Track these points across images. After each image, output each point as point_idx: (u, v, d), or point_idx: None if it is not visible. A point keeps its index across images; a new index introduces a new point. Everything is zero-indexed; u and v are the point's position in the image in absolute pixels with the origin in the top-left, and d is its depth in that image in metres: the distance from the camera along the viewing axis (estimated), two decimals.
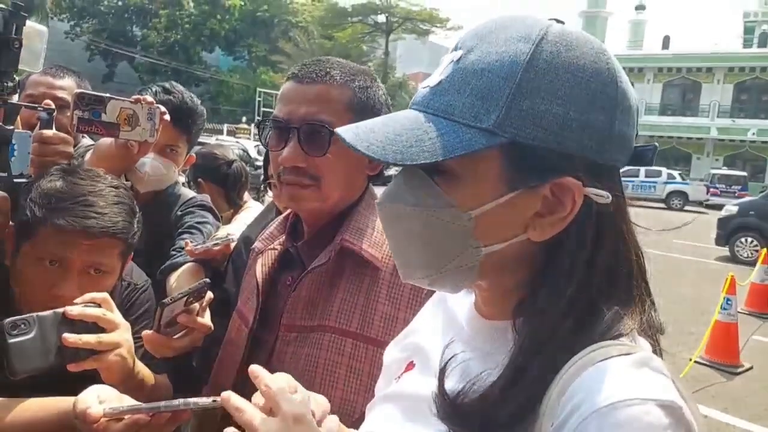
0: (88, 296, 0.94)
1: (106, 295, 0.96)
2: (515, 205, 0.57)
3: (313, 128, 0.96)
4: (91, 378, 0.89)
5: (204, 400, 0.78)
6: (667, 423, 0.49)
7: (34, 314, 0.86)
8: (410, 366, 0.72)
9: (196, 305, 1.03)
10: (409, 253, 0.61)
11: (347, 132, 0.58)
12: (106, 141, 1.38)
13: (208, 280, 1.04)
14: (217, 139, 14.02)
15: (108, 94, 1.26)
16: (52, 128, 1.26)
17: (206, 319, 1.07)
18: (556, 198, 0.57)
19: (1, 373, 0.85)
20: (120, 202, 1.08)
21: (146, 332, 1.00)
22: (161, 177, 1.66)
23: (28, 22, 1.06)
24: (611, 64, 0.58)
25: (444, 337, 0.70)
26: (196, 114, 1.70)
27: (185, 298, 0.99)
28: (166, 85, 1.68)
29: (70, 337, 0.87)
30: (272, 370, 0.98)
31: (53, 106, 1.27)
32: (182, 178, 2.20)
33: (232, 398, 0.63)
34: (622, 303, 0.58)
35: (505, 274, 0.60)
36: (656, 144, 0.65)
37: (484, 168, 0.57)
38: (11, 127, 1.07)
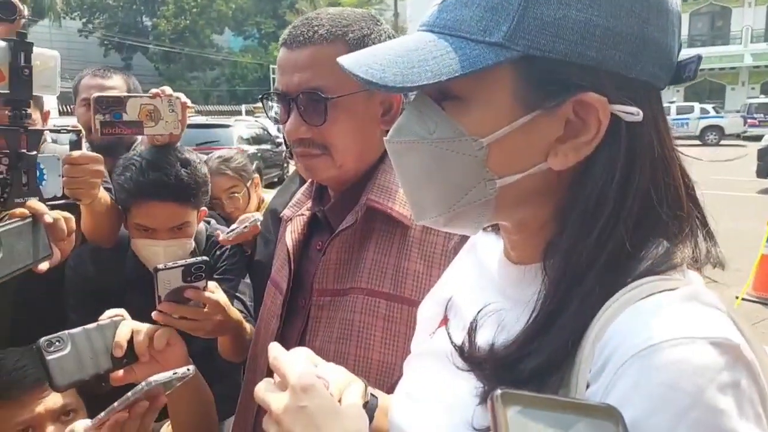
0: (111, 312, 0.99)
1: (122, 310, 1.01)
2: (533, 129, 0.51)
3: (308, 97, 0.91)
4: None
5: (164, 375, 0.80)
6: (723, 363, 0.42)
7: (66, 332, 0.91)
8: (444, 321, 0.69)
9: (202, 284, 1.02)
10: (420, 190, 0.57)
11: (347, 59, 0.54)
12: None
13: (206, 258, 1.04)
14: (236, 120, 14.07)
15: (125, 93, 1.29)
16: (80, 149, 1.31)
17: (217, 295, 1.05)
18: (580, 119, 0.50)
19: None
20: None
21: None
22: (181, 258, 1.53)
23: (38, 49, 1.08)
24: None
25: (476, 288, 0.66)
26: (203, 187, 1.51)
27: (181, 269, 0.99)
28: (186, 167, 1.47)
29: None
30: (308, 337, 0.99)
31: (80, 128, 1.31)
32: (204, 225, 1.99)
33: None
34: (669, 235, 0.51)
35: (527, 209, 0.55)
36: (700, 54, 0.55)
37: (495, 88, 0.51)
38: (34, 153, 1.11)
